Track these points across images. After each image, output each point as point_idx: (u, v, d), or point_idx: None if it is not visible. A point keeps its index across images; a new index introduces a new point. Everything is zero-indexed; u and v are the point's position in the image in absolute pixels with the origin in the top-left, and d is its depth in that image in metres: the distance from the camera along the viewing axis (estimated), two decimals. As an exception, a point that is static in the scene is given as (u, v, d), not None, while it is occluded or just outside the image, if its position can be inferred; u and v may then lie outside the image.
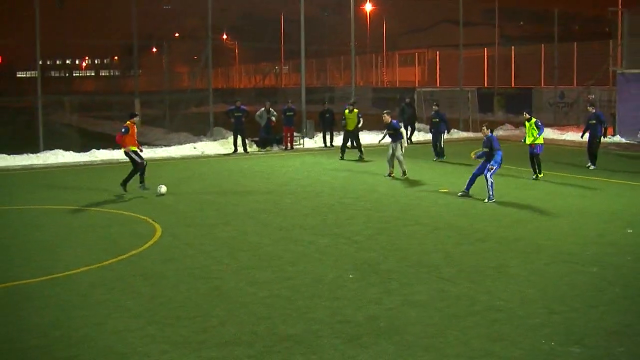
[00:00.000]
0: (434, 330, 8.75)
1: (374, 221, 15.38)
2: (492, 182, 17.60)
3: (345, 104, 28.09)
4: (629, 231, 14.23)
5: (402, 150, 21.42)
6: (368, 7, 69.91)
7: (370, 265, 11.77)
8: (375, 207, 17.05)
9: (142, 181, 19.63)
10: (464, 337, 8.55)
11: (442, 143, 26.17)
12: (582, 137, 23.89)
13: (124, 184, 19.32)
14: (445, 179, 21.33)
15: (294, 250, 12.87)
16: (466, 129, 39.29)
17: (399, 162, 21.45)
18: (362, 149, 26.93)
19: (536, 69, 50.47)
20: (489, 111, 49.02)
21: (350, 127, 26.98)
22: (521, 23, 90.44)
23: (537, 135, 20.49)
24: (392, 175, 21.68)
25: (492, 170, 17.63)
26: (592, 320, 9.09)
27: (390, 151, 21.58)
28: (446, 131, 26.72)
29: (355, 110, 27.27)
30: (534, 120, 20.66)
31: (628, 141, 33.19)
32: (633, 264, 11.85)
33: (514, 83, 53.36)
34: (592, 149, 23.33)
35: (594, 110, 23.56)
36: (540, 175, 20.93)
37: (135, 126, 19.72)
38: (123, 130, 19.27)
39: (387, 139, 22.03)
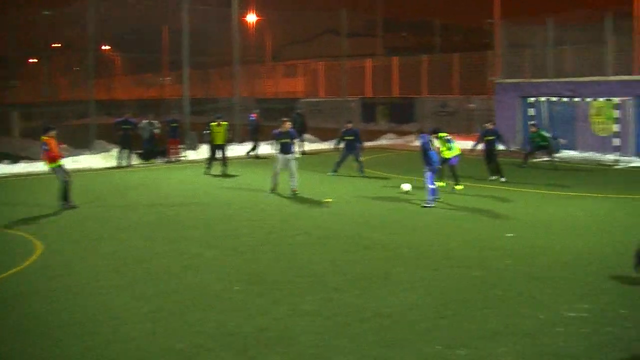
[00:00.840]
0: (323, 339, 8.79)
1: (259, 232, 15.35)
2: (430, 188, 18.24)
3: (214, 116, 27.21)
4: (509, 235, 14.67)
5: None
6: (251, 18, 69.88)
7: (256, 276, 11.74)
8: (260, 218, 17.03)
9: (65, 199, 18.70)
10: (353, 344, 8.62)
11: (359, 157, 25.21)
12: (474, 146, 24.15)
13: (63, 199, 18.58)
14: (331, 188, 21.49)
15: (180, 263, 12.71)
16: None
17: (293, 177, 20.53)
18: (227, 162, 26.28)
19: (418, 79, 51.51)
20: (372, 121, 49.70)
21: (220, 141, 26.12)
22: (403, 34, 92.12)
23: (449, 150, 20.79)
24: (274, 191, 20.80)
25: (428, 176, 18.27)
26: (476, 322, 9.33)
27: (280, 165, 20.65)
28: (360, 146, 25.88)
29: (224, 123, 26.59)
30: (442, 135, 20.92)
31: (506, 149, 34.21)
32: (513, 266, 12.22)
33: (397, 93, 54.30)
34: (493, 163, 23.76)
35: (492, 127, 24.19)
36: (459, 187, 20.98)
37: (53, 140, 18.48)
38: (44, 147, 18.26)
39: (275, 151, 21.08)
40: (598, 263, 12.40)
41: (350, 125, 25.23)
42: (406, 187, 20.63)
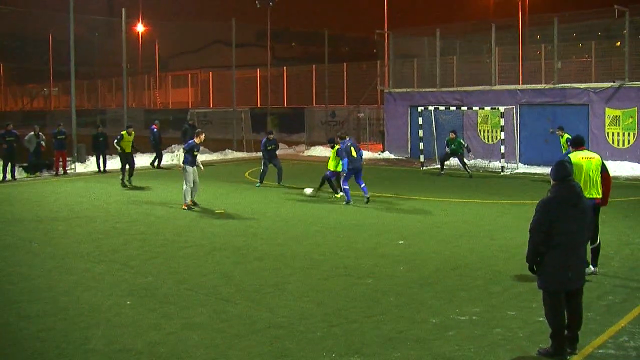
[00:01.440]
0: (217, 352, 8.68)
1: (149, 245, 15.10)
2: (344, 188, 20.25)
3: (126, 125, 27.28)
4: (400, 242, 14.86)
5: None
6: (140, 28, 69.03)
7: (147, 290, 11.52)
8: (150, 231, 16.76)
9: None
10: (246, 356, 8.54)
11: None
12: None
13: None
14: (221, 200, 21.38)
15: (68, 280, 12.35)
16: (240, 149, 39.69)
17: (195, 188, 20.30)
18: (133, 171, 26.18)
19: (308, 89, 51.86)
20: (263, 131, 49.73)
21: (129, 150, 26.18)
22: (293, 44, 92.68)
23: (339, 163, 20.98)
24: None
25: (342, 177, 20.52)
26: (369, 330, 9.39)
27: (193, 177, 20.16)
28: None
29: (133, 132, 26.52)
30: (337, 147, 21.13)
31: (396, 157, 34.81)
32: (405, 273, 12.38)
33: (287, 103, 54.52)
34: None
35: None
36: (337, 196, 21.29)
37: None
38: None
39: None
40: (486, 267, 12.70)
41: (272, 137, 25.00)
42: (308, 191, 21.57)
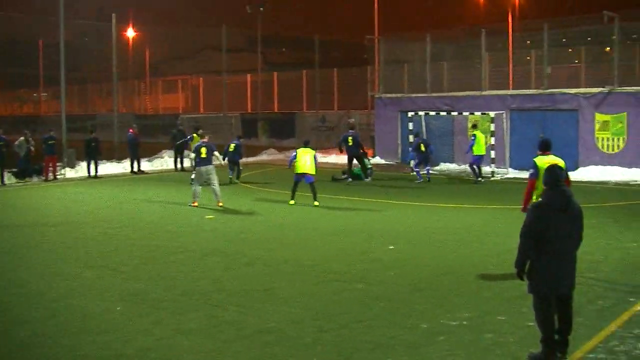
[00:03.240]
0: (207, 358, 8.67)
1: (140, 250, 15.07)
2: None
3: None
4: (390, 248, 14.88)
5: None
6: (130, 33, 68.93)
7: (138, 296, 11.50)
8: (141, 236, 16.73)
9: None
10: (236, 362, 8.55)
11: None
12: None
13: None
14: (211, 206, 21.34)
15: (58, 286, 12.31)
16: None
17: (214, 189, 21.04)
18: None
19: (298, 94, 51.85)
20: (254, 136, 49.78)
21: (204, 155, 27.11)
22: (283, 49, 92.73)
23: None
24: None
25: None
26: (359, 335, 9.39)
27: (205, 177, 20.88)
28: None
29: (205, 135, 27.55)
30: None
31: (387, 162, 34.84)
32: (396, 278, 12.39)
33: (277, 108, 54.50)
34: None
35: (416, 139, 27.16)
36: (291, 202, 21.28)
37: None
38: None
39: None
40: (476, 273, 12.71)
41: (239, 142, 27.30)
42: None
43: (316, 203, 20.84)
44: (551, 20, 31.98)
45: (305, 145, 21.65)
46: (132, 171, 31.77)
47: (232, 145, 27.41)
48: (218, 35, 42.18)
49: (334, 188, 25.24)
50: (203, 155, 20.73)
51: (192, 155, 21.30)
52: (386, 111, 36.11)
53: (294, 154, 21.22)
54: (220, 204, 20.70)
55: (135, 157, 31.95)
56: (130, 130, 32.37)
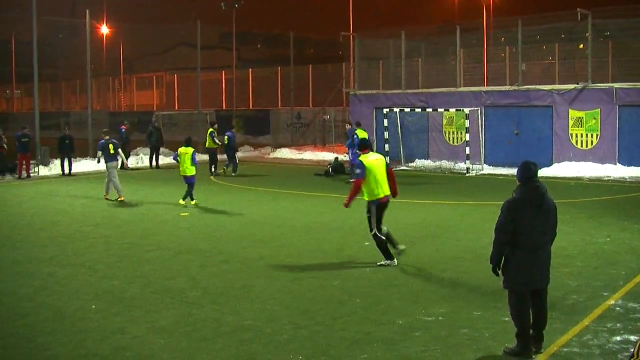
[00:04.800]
0: (183, 356, 8.64)
1: (115, 248, 14.99)
2: None
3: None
4: (366, 244, 14.87)
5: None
6: (104, 30, 68.51)
7: (113, 294, 11.43)
8: (115, 234, 16.63)
9: None
10: (213, 359, 8.50)
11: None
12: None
13: None
14: (186, 203, 21.26)
15: (32, 285, 12.20)
16: (205, 152, 39.54)
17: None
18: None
19: (273, 91, 51.78)
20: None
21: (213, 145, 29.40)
22: (258, 46, 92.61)
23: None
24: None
25: None
26: (335, 331, 9.40)
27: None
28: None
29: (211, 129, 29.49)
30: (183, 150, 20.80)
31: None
32: (371, 275, 12.41)
33: (252, 105, 54.40)
34: None
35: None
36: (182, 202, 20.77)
37: None
38: None
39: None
40: (451, 268, 12.77)
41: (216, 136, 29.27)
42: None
43: (181, 202, 20.73)
44: (525, 17, 32.16)
45: (187, 144, 21.14)
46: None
47: (225, 138, 28.98)
48: (192, 32, 42.02)
49: (310, 185, 25.21)
50: (112, 152, 22.20)
51: (99, 152, 22.30)
52: (361, 108, 36.12)
53: (176, 153, 21.12)
54: (121, 199, 21.81)
55: (125, 153, 31.98)
56: (123, 127, 32.51)
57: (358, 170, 12.94)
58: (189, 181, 20.51)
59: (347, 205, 13.20)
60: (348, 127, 28.40)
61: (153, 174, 30.29)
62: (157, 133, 33.00)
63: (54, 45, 69.13)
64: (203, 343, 9.06)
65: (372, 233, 13.04)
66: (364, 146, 13.33)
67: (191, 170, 20.41)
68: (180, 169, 20.60)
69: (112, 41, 73.51)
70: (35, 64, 33.01)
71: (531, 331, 8.48)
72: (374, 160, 12.94)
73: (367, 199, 12.99)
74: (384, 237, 13.03)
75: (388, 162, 13.20)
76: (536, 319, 8.51)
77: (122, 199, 21.70)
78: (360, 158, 13.00)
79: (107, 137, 22.44)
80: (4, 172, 29.13)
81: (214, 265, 13.38)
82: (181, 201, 20.61)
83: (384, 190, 12.94)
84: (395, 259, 13.04)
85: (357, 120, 29.44)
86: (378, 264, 12.99)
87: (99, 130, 29.00)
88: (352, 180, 15.20)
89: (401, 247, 13.26)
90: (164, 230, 17.07)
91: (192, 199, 20.60)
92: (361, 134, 25.11)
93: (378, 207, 13.01)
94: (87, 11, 35.74)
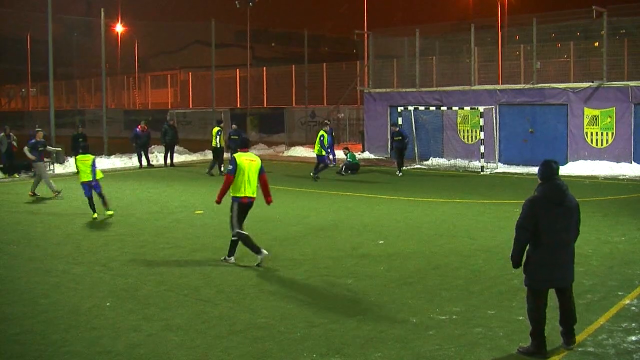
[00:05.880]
0: (197, 353, 8.65)
1: (129, 246, 15.04)
2: None
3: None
4: (380, 242, 14.88)
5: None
6: (119, 29, 68.70)
7: (127, 292, 11.47)
8: (130, 232, 16.68)
9: None
10: (227, 357, 8.52)
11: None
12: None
13: None
14: (201, 201, 21.29)
15: (47, 282, 12.27)
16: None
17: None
18: None
19: (287, 89, 51.82)
20: (243, 131, 49.62)
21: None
22: (272, 44, 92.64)
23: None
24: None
25: None
26: (349, 330, 9.39)
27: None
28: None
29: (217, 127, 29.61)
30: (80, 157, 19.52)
31: (376, 157, 34.85)
32: (386, 273, 12.40)
33: (267, 103, 54.45)
34: (400, 160, 27.77)
35: (397, 129, 28.10)
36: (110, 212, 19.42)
37: None
38: None
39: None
40: (466, 267, 12.74)
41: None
42: None
43: (95, 215, 18.67)
44: (540, 15, 32.05)
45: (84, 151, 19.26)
46: (144, 165, 32.71)
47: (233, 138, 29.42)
48: (207, 30, 42.02)
49: (324, 183, 25.20)
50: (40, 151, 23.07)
51: (28, 152, 23.02)
52: (375, 106, 36.11)
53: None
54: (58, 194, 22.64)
55: (145, 151, 32.46)
56: (138, 127, 32.76)
57: (230, 167, 13.23)
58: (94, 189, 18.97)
59: (218, 202, 13.61)
60: (394, 129, 28.96)
61: (168, 172, 30.35)
62: (172, 131, 33.08)
63: (69, 43, 69.31)
64: (217, 341, 9.08)
65: (234, 232, 13.29)
66: (244, 145, 13.85)
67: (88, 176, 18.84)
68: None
69: (126, 39, 73.71)
70: (50, 63, 33.11)
71: (560, 328, 8.63)
72: (247, 160, 13.24)
73: (231, 194, 13.30)
74: (245, 233, 13.33)
75: (263, 167, 13.50)
76: (564, 315, 8.63)
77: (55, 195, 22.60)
78: (235, 155, 13.33)
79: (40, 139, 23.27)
80: (20, 169, 29.22)
81: (228, 263, 13.40)
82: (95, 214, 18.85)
83: (250, 191, 13.26)
84: (266, 252, 13.23)
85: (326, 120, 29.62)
86: (256, 264, 13.12)
87: (114, 128, 29.13)
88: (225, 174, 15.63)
89: (264, 252, 13.24)
90: (179, 229, 17.10)
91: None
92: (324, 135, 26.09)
93: (240, 207, 13.32)
94: (102, 10, 35.83)
